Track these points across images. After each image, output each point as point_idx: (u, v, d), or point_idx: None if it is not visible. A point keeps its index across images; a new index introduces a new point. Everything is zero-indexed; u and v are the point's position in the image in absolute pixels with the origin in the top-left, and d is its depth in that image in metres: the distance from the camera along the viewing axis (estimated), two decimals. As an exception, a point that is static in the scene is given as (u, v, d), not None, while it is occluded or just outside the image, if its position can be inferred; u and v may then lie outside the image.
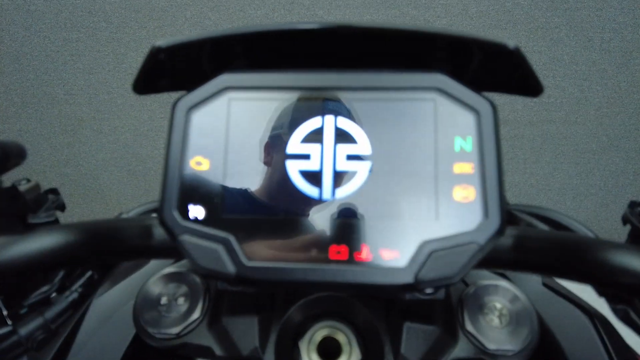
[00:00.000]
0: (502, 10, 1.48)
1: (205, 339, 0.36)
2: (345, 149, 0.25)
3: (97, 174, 1.58)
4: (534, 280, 0.43)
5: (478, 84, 0.26)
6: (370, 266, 0.24)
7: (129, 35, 1.42)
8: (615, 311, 0.29)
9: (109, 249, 0.30)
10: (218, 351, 0.36)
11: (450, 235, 0.23)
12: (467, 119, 0.24)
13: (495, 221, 0.23)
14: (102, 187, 1.60)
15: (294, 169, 0.26)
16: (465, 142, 0.24)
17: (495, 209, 0.23)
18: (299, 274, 0.23)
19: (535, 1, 1.50)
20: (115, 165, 1.57)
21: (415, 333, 0.34)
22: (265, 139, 0.26)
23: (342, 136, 0.25)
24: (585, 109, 1.62)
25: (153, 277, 0.38)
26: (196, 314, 0.37)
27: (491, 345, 0.34)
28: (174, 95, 0.28)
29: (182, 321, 0.36)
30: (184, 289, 0.38)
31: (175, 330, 0.36)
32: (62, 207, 0.33)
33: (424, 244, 0.23)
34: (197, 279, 0.38)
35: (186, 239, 0.24)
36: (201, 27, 1.41)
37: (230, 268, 0.23)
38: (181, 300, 0.38)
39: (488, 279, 0.37)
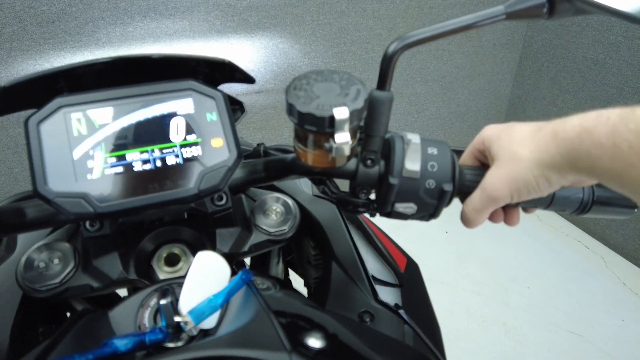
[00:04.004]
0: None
1: (83, 279, 0.48)
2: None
3: None
4: (307, 192, 0.67)
5: (215, 82, 0.46)
6: (175, 189, 0.43)
7: None
8: (321, 190, 0.54)
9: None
10: (95, 284, 0.49)
11: (214, 164, 0.43)
12: (211, 103, 0.44)
13: (234, 155, 0.44)
14: None
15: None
16: (212, 115, 0.44)
17: (234, 149, 0.44)
18: (135, 203, 0.41)
19: (317, -18, 1.79)
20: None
21: (224, 234, 0.55)
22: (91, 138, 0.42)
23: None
24: (373, 67, 2.02)
25: (28, 251, 0.51)
26: (71, 265, 0.48)
27: (272, 230, 0.56)
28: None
29: (61, 273, 0.48)
30: (57, 253, 0.50)
31: (57, 280, 0.47)
32: None
33: (201, 172, 0.43)
34: (66, 244, 0.51)
35: (58, 200, 0.39)
36: None
37: (90, 209, 0.40)
38: (56, 261, 0.49)
39: (267, 194, 0.60)
